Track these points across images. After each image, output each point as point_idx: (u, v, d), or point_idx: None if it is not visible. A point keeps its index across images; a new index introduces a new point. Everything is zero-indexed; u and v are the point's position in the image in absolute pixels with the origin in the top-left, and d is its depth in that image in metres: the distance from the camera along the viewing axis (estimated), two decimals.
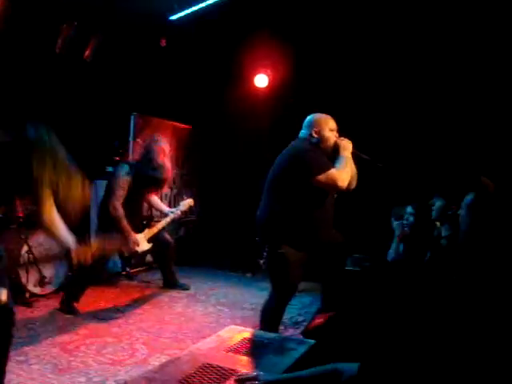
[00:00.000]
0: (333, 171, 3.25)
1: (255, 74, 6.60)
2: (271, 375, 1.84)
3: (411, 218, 4.67)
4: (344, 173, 3.28)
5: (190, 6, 5.48)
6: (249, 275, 6.30)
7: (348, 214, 4.63)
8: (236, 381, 1.93)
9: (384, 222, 5.11)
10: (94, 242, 2.83)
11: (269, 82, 6.61)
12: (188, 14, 5.52)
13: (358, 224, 5.36)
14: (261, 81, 6.62)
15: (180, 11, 5.60)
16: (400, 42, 5.59)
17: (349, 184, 3.37)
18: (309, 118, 3.53)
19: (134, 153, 5.68)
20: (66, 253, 2.49)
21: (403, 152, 5.66)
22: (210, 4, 5.31)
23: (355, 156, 3.47)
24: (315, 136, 3.41)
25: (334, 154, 3.41)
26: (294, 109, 5.54)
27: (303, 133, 3.51)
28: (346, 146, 3.40)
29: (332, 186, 3.25)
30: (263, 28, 5.64)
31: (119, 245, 4.30)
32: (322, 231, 3.41)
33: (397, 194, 5.33)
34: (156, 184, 4.85)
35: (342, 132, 3.54)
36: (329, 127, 3.44)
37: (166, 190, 6.26)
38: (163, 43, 6.02)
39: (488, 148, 5.18)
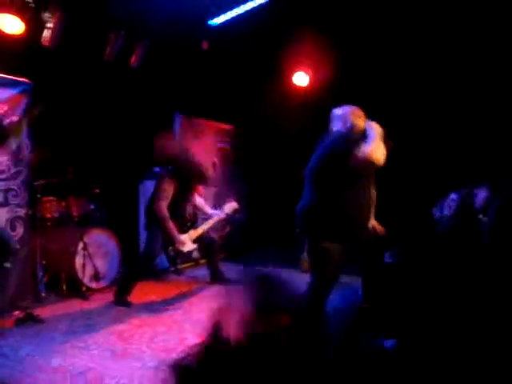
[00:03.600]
0: (366, 146, 3.21)
1: (295, 72, 6.67)
2: None
3: (452, 204, 4.16)
4: (378, 147, 3.21)
5: (229, 10, 5.67)
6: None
7: (389, 204, 4.54)
8: None
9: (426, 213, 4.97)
10: None
11: (310, 81, 6.67)
12: (227, 19, 5.70)
13: (399, 215, 5.30)
14: (300, 79, 6.69)
15: (219, 15, 5.79)
16: (453, 43, 5.55)
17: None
18: (334, 113, 3.57)
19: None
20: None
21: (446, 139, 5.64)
22: (250, 9, 5.48)
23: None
24: (346, 125, 3.46)
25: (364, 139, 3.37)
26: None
27: (334, 127, 3.55)
28: (374, 126, 3.38)
29: (369, 161, 3.18)
30: (305, 28, 5.67)
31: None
32: (357, 223, 3.47)
33: (438, 183, 5.10)
34: (198, 181, 5.12)
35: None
36: (355, 115, 3.48)
37: (209, 188, 6.43)
38: (205, 46, 6.19)
39: None
